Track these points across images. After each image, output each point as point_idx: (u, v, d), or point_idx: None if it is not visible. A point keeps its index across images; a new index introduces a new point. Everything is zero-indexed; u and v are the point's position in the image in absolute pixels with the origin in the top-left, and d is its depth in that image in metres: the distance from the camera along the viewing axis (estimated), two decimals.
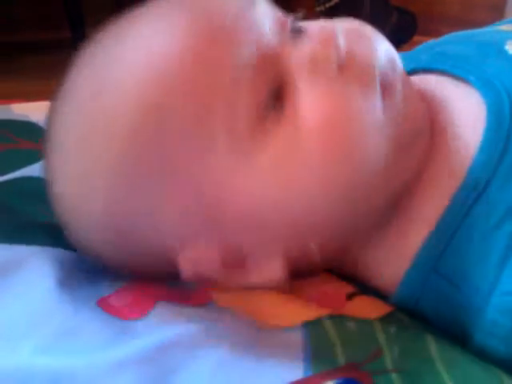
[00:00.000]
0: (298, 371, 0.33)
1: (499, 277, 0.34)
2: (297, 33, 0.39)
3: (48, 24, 1.95)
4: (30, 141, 0.65)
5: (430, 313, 0.38)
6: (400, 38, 1.75)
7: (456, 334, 0.37)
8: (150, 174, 0.35)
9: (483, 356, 0.35)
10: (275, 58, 0.36)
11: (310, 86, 0.36)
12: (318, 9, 1.72)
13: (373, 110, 0.36)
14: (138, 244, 0.38)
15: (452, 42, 0.48)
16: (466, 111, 0.40)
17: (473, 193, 0.36)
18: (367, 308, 0.39)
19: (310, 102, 0.35)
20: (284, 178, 0.35)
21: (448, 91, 0.42)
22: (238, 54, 0.35)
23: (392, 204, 0.39)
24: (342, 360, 0.34)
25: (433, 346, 0.35)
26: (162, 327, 0.36)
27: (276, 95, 0.36)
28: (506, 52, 0.42)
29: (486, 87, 0.40)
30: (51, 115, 0.40)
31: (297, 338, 0.36)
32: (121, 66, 0.36)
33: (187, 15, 0.37)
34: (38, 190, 0.40)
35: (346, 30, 0.38)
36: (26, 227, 0.44)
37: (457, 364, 0.33)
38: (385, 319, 0.38)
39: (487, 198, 0.36)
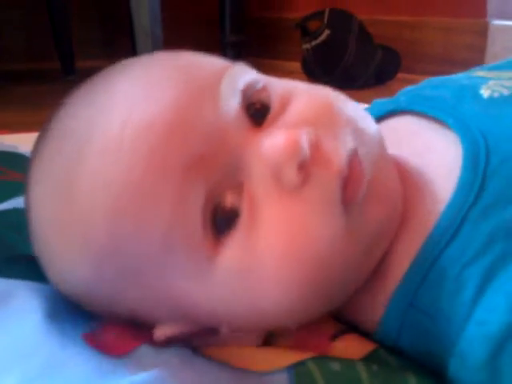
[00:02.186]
0: None
1: (473, 309, 0.35)
2: (261, 113, 0.37)
3: (37, 55, 1.96)
4: (18, 172, 0.65)
5: (409, 347, 0.38)
6: (384, 75, 1.78)
7: (433, 367, 0.37)
8: (122, 271, 0.36)
9: None
10: (234, 154, 0.35)
11: (268, 199, 0.35)
12: (304, 46, 1.74)
13: (333, 227, 0.35)
14: (120, 306, 0.39)
15: (430, 86, 0.49)
16: (442, 157, 0.41)
17: (446, 233, 0.37)
18: (351, 348, 0.39)
19: (267, 217, 0.35)
20: (241, 292, 0.35)
21: (424, 135, 0.44)
22: (190, 155, 0.34)
23: (364, 278, 0.40)
24: None
25: (413, 381, 0.35)
26: (145, 367, 0.36)
27: (232, 201, 0.35)
28: (480, 96, 0.43)
29: (462, 130, 0.41)
30: (28, 183, 0.40)
31: (281, 380, 0.36)
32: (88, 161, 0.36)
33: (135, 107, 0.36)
34: (26, 221, 0.41)
35: (313, 129, 0.36)
36: (13, 259, 0.44)
37: None
38: (368, 358, 0.38)
39: (461, 237, 0.37)
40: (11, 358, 0.37)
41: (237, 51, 1.81)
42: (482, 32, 1.76)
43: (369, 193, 0.36)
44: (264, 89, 0.38)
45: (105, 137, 0.35)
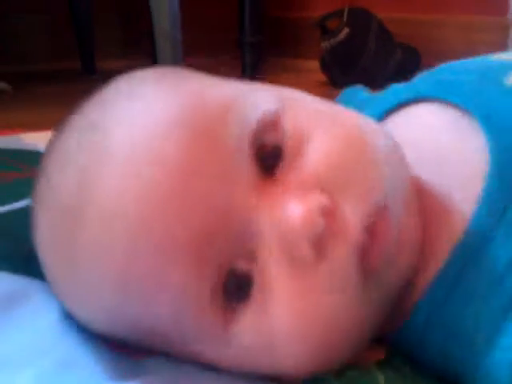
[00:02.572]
0: None
1: (499, 332, 0.34)
2: (273, 157, 0.35)
3: (59, 55, 1.99)
4: (38, 170, 0.66)
5: (427, 362, 0.38)
6: (404, 74, 1.76)
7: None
8: (135, 332, 0.36)
9: None
10: (244, 220, 0.33)
11: (280, 272, 0.33)
12: (323, 44, 1.74)
13: (348, 299, 0.34)
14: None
15: (449, 71, 0.47)
16: (466, 151, 0.39)
17: (473, 245, 0.36)
18: (365, 354, 0.39)
19: (279, 291, 0.33)
20: (257, 358, 0.35)
21: (446, 126, 0.42)
22: (198, 231, 0.32)
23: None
24: None
25: None
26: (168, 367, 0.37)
27: (244, 272, 0.33)
28: (505, 85, 0.41)
29: (487, 121, 0.39)
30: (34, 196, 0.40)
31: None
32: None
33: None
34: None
35: (331, 188, 0.34)
36: (32, 258, 0.45)
37: None
38: (383, 364, 0.38)
39: (489, 252, 0.35)
40: (27, 355, 0.38)
41: (256, 51, 1.80)
42: (504, 30, 1.74)
43: (391, 253, 0.35)
44: (277, 125, 0.35)
45: (105, 200, 0.33)
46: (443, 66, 0.48)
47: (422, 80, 0.48)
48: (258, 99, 0.36)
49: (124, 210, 0.32)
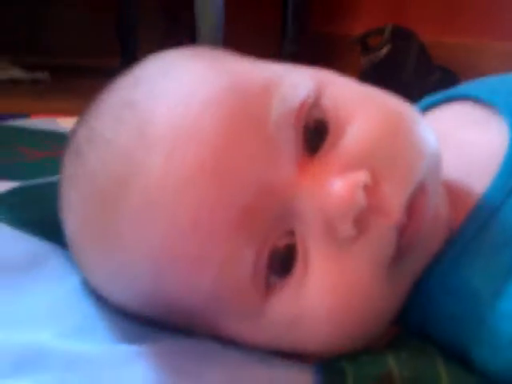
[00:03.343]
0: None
1: (506, 284, 0.35)
2: (317, 136, 0.34)
3: (101, 50, 2.02)
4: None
5: (434, 331, 0.38)
6: None
7: (459, 351, 0.36)
8: (169, 312, 0.36)
9: (483, 372, 0.35)
10: (285, 199, 0.33)
11: (320, 250, 0.34)
12: (363, 60, 1.74)
13: (381, 280, 0.34)
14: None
15: (490, 80, 0.48)
16: (488, 147, 0.40)
17: (486, 212, 0.37)
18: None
19: (318, 268, 0.33)
20: (287, 335, 0.35)
21: (474, 124, 0.43)
22: (239, 209, 0.32)
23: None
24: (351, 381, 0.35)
25: (442, 368, 0.35)
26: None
27: (286, 249, 0.34)
28: None
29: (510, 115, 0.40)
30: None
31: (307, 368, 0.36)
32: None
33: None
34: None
35: (372, 165, 0.34)
36: (59, 227, 0.46)
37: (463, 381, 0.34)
38: (396, 342, 0.38)
39: (499, 219, 0.36)
40: (48, 315, 0.39)
41: (296, 63, 1.81)
42: None
43: (424, 236, 0.35)
44: (319, 105, 0.35)
45: (149, 180, 0.33)
46: (481, 78, 0.49)
47: (452, 88, 0.49)
48: (297, 79, 0.36)
49: (170, 190, 0.33)
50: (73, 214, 0.38)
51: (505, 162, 0.38)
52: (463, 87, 0.47)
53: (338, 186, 0.33)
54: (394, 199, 0.34)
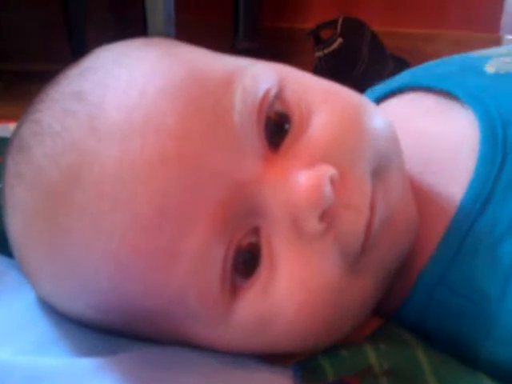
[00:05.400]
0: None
1: (510, 282, 0.35)
2: (279, 131, 0.34)
3: (52, 55, 1.98)
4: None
5: (436, 328, 0.38)
6: None
7: (460, 348, 0.36)
8: (130, 318, 0.35)
9: (492, 368, 0.35)
10: (251, 195, 0.32)
11: (286, 246, 0.33)
12: (316, 54, 1.75)
13: (349, 277, 0.34)
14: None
15: (431, 65, 0.48)
16: (457, 132, 0.40)
17: (474, 207, 0.37)
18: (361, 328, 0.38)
19: (285, 265, 0.32)
20: (256, 334, 0.34)
21: (435, 111, 0.43)
22: (208, 204, 0.31)
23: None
24: (331, 376, 0.34)
25: (423, 357, 0.35)
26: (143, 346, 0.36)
27: (251, 247, 0.33)
28: (485, 72, 0.43)
29: (475, 102, 0.40)
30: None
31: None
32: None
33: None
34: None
35: (337, 160, 0.33)
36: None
37: (446, 372, 0.34)
38: (376, 333, 0.38)
39: (489, 212, 0.36)
40: (7, 332, 0.37)
41: (249, 58, 1.81)
42: (495, 46, 1.75)
43: (385, 231, 0.34)
44: (282, 98, 0.34)
45: (100, 170, 0.31)
46: (423, 64, 0.49)
47: (402, 75, 0.49)
48: (259, 72, 0.35)
49: (126, 181, 0.31)
50: (18, 214, 0.36)
51: (482, 151, 0.38)
52: (408, 77, 0.47)
53: (304, 178, 0.32)
54: (362, 195, 0.33)
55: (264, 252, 0.33)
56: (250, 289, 0.33)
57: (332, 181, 0.32)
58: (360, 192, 0.33)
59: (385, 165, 0.35)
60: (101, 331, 0.37)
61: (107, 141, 0.31)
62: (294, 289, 0.32)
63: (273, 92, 0.34)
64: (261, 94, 0.33)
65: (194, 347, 0.35)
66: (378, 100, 0.46)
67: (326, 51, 1.70)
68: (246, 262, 0.33)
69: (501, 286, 0.35)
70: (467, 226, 0.36)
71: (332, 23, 1.71)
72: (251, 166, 0.32)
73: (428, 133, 0.42)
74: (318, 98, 0.35)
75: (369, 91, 0.49)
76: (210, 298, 0.32)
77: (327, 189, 0.31)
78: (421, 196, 0.38)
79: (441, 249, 0.37)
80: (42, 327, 0.38)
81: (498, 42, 1.76)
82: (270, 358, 0.36)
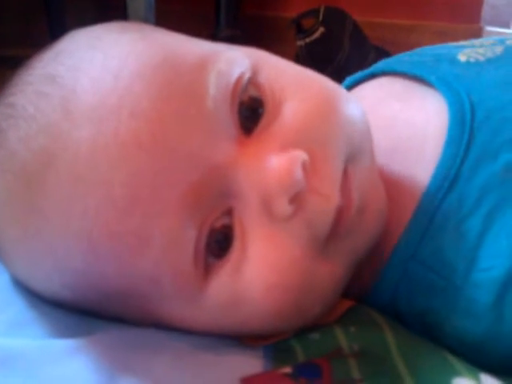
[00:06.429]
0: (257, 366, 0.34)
1: (476, 257, 0.35)
2: (252, 116, 0.34)
3: (30, 40, 1.96)
4: None
5: (404, 304, 0.38)
6: None
7: (429, 325, 0.37)
8: (103, 297, 0.35)
9: (455, 342, 0.36)
10: (224, 177, 0.32)
11: (257, 228, 0.33)
12: (298, 43, 1.75)
13: (316, 262, 0.34)
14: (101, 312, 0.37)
15: (405, 54, 0.49)
16: (427, 114, 0.41)
17: (442, 186, 0.38)
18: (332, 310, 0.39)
19: (256, 246, 0.33)
20: (229, 314, 0.34)
21: (407, 95, 0.44)
22: (181, 185, 0.31)
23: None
24: (302, 357, 0.35)
25: (391, 339, 0.35)
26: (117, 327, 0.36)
27: (224, 228, 0.33)
28: (458, 61, 0.44)
29: (445, 87, 0.41)
30: None
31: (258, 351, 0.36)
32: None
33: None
34: None
35: (308, 145, 0.33)
36: None
37: (413, 353, 0.34)
38: (346, 315, 0.38)
39: (457, 190, 0.37)
40: None
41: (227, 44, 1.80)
42: (476, 37, 1.76)
43: (358, 219, 0.35)
44: (255, 83, 0.35)
45: (73, 153, 0.31)
46: (398, 54, 0.50)
47: (378, 64, 0.50)
48: (233, 56, 0.35)
49: (100, 164, 0.31)
50: None
51: (450, 133, 0.39)
52: (382, 63, 0.48)
53: (276, 161, 0.32)
54: (332, 181, 0.34)
55: (236, 233, 0.33)
56: (222, 269, 0.33)
57: (303, 166, 0.32)
58: (330, 179, 0.34)
59: (357, 153, 0.36)
60: (75, 312, 0.37)
61: (81, 124, 0.31)
62: (264, 270, 0.33)
63: (246, 76, 0.34)
64: (234, 77, 0.33)
65: (168, 329, 0.35)
66: (353, 85, 0.48)
67: (307, 40, 1.70)
68: (219, 242, 0.33)
69: (468, 260, 0.36)
70: (435, 204, 0.37)
71: (314, 12, 1.71)
72: (225, 148, 0.32)
73: (397, 118, 0.43)
74: (293, 83, 0.35)
75: (346, 79, 0.49)
76: (182, 278, 0.32)
77: (298, 173, 0.32)
78: (390, 180, 0.39)
79: (411, 227, 0.38)
80: (15, 308, 0.37)
81: (478, 32, 1.77)
82: (243, 340, 0.36)
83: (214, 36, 1.79)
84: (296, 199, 0.32)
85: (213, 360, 0.34)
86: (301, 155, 0.32)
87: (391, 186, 0.39)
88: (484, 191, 0.36)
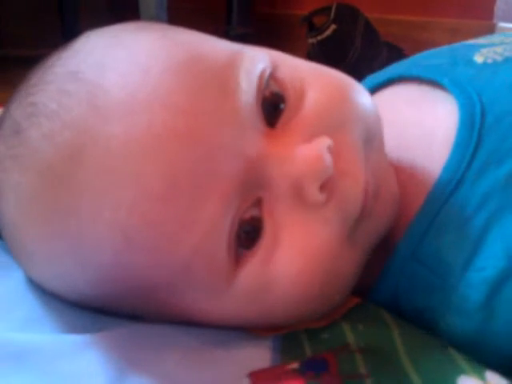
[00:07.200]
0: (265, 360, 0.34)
1: (473, 258, 0.36)
2: (275, 110, 0.35)
3: (44, 41, 1.97)
4: None
5: (405, 305, 0.39)
6: None
7: (427, 321, 0.38)
8: (129, 291, 0.35)
9: (450, 338, 0.36)
10: (254, 168, 0.33)
11: (289, 217, 0.34)
12: (309, 41, 1.74)
13: (344, 248, 0.35)
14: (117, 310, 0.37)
15: (421, 57, 0.50)
16: (439, 118, 0.42)
17: (446, 189, 0.38)
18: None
19: (287, 235, 0.34)
20: (255, 304, 0.35)
21: (421, 100, 0.44)
22: (217, 176, 0.32)
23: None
24: (309, 352, 0.35)
25: (398, 337, 0.36)
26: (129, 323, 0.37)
27: (254, 219, 0.34)
28: (474, 62, 0.44)
29: (458, 90, 0.41)
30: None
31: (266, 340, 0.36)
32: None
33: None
34: None
35: (332, 133, 0.35)
36: None
37: (419, 351, 0.35)
38: (353, 312, 0.39)
39: (461, 194, 0.38)
40: None
41: (243, 44, 1.81)
42: (489, 34, 1.75)
43: (376, 201, 0.36)
44: (276, 78, 0.36)
45: (104, 146, 0.32)
46: (414, 56, 0.51)
47: (393, 66, 0.51)
48: (255, 53, 0.36)
49: (133, 156, 0.31)
50: (12, 196, 0.35)
51: (459, 137, 0.39)
52: (400, 66, 0.49)
53: (304, 150, 0.34)
54: (357, 161, 0.35)
55: (266, 223, 0.34)
56: (253, 257, 0.34)
57: (329, 150, 0.34)
58: (355, 159, 0.35)
59: (371, 138, 0.37)
60: (89, 310, 0.37)
61: (110, 118, 0.32)
62: (295, 255, 0.34)
63: (267, 72, 0.35)
64: (258, 73, 0.35)
65: (178, 325, 0.36)
66: (372, 91, 0.48)
67: (319, 38, 1.70)
68: (248, 232, 0.34)
69: (465, 260, 0.36)
70: (438, 206, 0.38)
71: (326, 10, 1.71)
72: (255, 141, 0.33)
73: (408, 122, 0.44)
74: (309, 75, 0.37)
75: (367, 78, 0.51)
76: (216, 266, 0.33)
77: (327, 159, 0.33)
78: (398, 178, 0.40)
79: (414, 226, 0.39)
80: (29, 304, 0.38)
81: (491, 29, 1.76)
82: (254, 331, 0.37)
83: (226, 34, 1.79)
84: (327, 185, 0.34)
85: (221, 354, 0.35)
86: (326, 141, 0.34)
87: (399, 182, 0.40)
88: (487, 196, 0.37)
